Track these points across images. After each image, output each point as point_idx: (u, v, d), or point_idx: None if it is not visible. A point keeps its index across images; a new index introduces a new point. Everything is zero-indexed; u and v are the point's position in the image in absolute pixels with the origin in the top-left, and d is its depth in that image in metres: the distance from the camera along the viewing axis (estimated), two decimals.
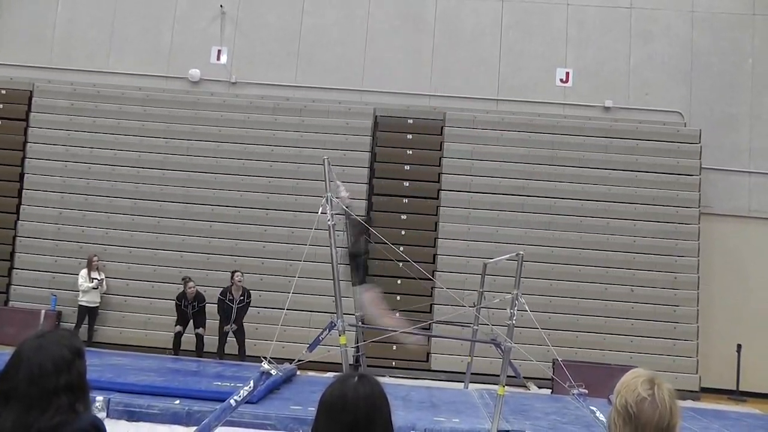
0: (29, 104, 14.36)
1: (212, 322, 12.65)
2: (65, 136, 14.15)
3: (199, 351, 12.58)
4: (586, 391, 7.98)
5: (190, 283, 12.57)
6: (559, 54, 14.39)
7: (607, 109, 14.20)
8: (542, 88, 14.31)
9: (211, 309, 12.61)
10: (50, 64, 14.63)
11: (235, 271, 12.53)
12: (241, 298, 12.44)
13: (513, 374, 9.49)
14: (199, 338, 12.62)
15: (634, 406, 2.09)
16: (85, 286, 12.81)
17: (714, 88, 14.22)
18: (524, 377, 10.95)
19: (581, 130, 13.86)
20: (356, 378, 2.18)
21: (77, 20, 14.80)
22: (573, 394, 7.99)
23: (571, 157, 13.70)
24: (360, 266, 9.17)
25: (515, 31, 14.46)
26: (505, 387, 7.85)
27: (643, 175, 13.59)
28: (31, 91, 14.42)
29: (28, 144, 14.26)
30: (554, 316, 12.57)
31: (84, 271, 12.92)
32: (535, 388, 11.84)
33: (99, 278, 12.98)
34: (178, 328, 12.60)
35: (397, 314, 9.55)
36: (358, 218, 9.20)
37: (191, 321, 12.65)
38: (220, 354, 12.43)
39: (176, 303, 12.63)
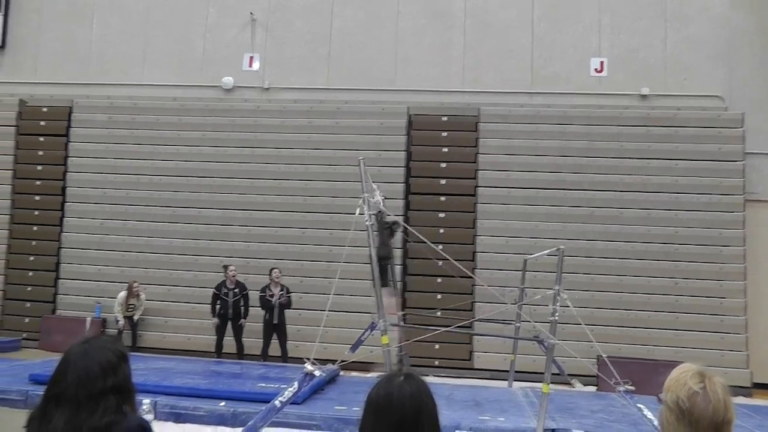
0: (69, 120, 14.74)
1: (252, 324, 12.74)
2: (104, 149, 14.44)
3: (240, 353, 12.66)
4: (633, 388, 7.83)
5: (231, 267, 12.66)
6: (592, 43, 14.14)
7: (643, 96, 13.90)
8: (576, 79, 14.09)
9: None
10: (87, 80, 14.91)
11: (273, 268, 12.66)
12: (281, 293, 12.55)
13: (557, 371, 9.39)
14: (240, 330, 12.69)
15: (686, 401, 2.03)
16: (120, 318, 13.06)
17: (755, 69, 13.82)
18: (569, 374, 10.84)
19: (618, 120, 13.62)
20: (402, 377, 2.18)
21: (111, 36, 15.06)
22: (619, 391, 7.84)
23: (609, 148, 13.48)
24: (384, 270, 9.20)
25: (546, 22, 14.26)
26: (550, 385, 7.75)
27: (684, 163, 13.30)
28: (70, 107, 14.79)
29: (69, 158, 14.61)
30: (597, 311, 12.40)
31: (122, 295, 13.12)
32: (580, 385, 11.70)
33: (136, 304, 13.24)
34: (216, 320, 12.69)
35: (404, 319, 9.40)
36: (387, 221, 9.20)
37: (229, 324, 12.70)
38: (264, 356, 12.50)
39: (214, 293, 12.72)
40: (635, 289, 12.93)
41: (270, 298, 12.48)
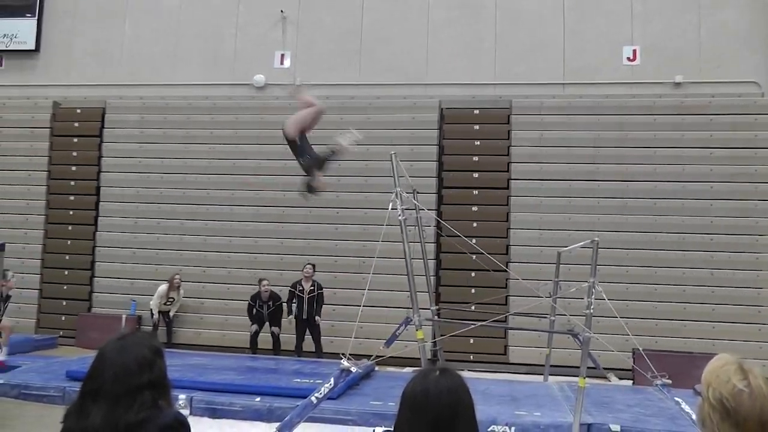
0: (102, 121, 14.95)
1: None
2: (137, 149, 14.63)
3: (276, 349, 12.82)
4: (670, 382, 7.76)
5: (264, 282, 12.80)
6: (624, 31, 13.91)
7: (677, 85, 13.64)
8: (609, 68, 13.87)
9: None
10: (120, 80, 15.07)
11: (307, 264, 12.73)
12: (311, 289, 12.64)
13: (593, 365, 9.35)
14: (275, 337, 12.85)
15: (731, 399, 1.95)
16: (155, 312, 13.23)
17: None
18: (604, 368, 10.76)
19: (651, 109, 13.43)
20: (438, 372, 2.17)
21: (143, 37, 15.20)
22: (656, 385, 7.78)
23: (642, 138, 13.31)
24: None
25: (577, 12, 14.09)
26: (586, 379, 7.71)
27: (719, 151, 13.07)
28: (103, 108, 14.99)
29: (103, 158, 14.83)
30: (631, 303, 12.25)
31: (163, 288, 13.28)
32: (616, 379, 11.59)
33: (176, 297, 13.41)
34: (254, 327, 12.87)
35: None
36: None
37: (267, 321, 12.92)
38: (298, 352, 12.60)
39: (249, 304, 12.90)
40: (670, 281, 12.78)
41: (300, 294, 12.57)
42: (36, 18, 15.53)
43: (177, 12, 15.14)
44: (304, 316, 12.60)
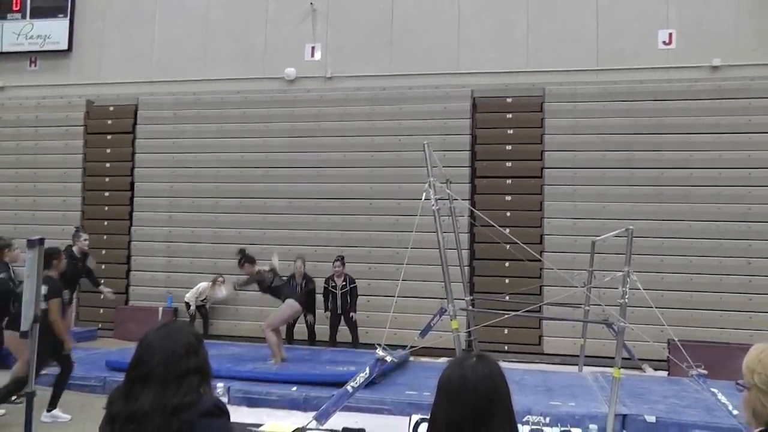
0: (135, 117, 15.16)
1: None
2: (170, 144, 14.81)
3: (312, 340, 12.86)
4: (706, 372, 7.67)
5: (298, 262, 12.74)
6: (659, 15, 13.56)
7: (714, 68, 13.24)
8: (644, 53, 13.53)
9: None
10: (152, 78, 15.24)
11: (336, 259, 12.72)
12: (344, 284, 12.65)
13: (627, 356, 9.26)
14: (310, 327, 12.87)
15: None
16: (192, 304, 13.41)
17: None
18: (639, 358, 10.66)
19: (687, 94, 13.16)
20: (474, 358, 2.17)
21: (173, 34, 15.30)
22: (692, 376, 7.69)
23: (678, 124, 13.05)
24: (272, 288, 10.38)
25: None
26: (621, 369, 7.66)
27: (757, 136, 12.76)
28: (136, 105, 15.19)
29: (136, 155, 15.06)
30: (667, 293, 12.10)
31: (205, 285, 13.49)
32: (651, 369, 11.45)
33: (221, 295, 13.47)
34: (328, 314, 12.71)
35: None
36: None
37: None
38: (332, 343, 12.63)
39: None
40: (706, 270, 12.55)
41: (333, 290, 12.61)
42: (68, 18, 15.75)
43: (206, 8, 15.22)
44: (339, 311, 12.61)
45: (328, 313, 12.66)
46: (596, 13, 13.79)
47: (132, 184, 15.03)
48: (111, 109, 15.31)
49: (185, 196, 14.62)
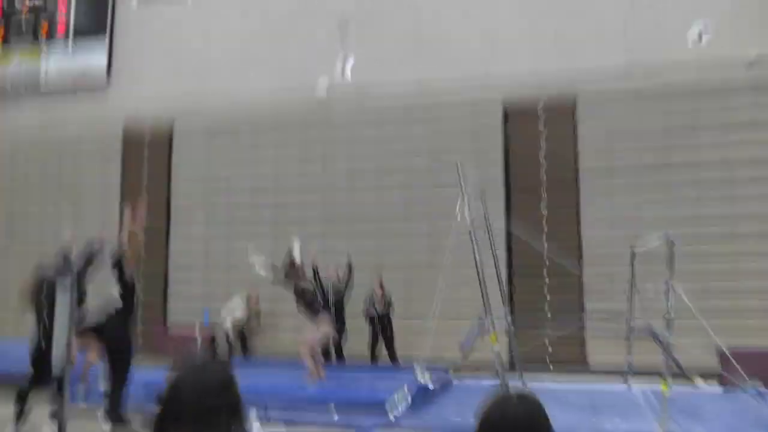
0: (171, 136, 15.31)
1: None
2: (206, 160, 14.88)
3: (339, 354, 12.57)
4: (761, 384, 7.33)
5: (331, 268, 12.50)
6: (692, 11, 13.02)
7: (751, 64, 12.71)
8: (677, 51, 13.03)
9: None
10: (187, 97, 15.24)
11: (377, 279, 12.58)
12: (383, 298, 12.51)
13: (677, 369, 8.96)
14: (336, 341, 12.41)
15: None
16: (228, 324, 13.29)
17: None
18: (689, 371, 10.27)
19: (724, 91, 12.72)
20: (516, 398, 2.08)
21: (209, 52, 15.36)
22: (748, 390, 7.36)
23: (715, 124, 12.63)
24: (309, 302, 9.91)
25: None
26: (670, 383, 7.38)
27: None
28: (172, 124, 15.34)
29: (173, 171, 15.17)
30: (714, 301, 11.68)
31: (237, 304, 13.40)
32: (703, 383, 11.04)
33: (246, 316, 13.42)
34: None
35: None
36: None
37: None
38: (372, 357, 12.50)
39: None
40: (753, 276, 12.10)
41: (374, 309, 12.50)
42: (107, 41, 16.09)
43: (241, 25, 15.27)
44: (377, 330, 12.53)
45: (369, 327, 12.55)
46: (629, 12, 13.40)
47: (168, 200, 15.11)
48: (147, 128, 15.47)
49: (221, 212, 14.69)
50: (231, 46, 15.26)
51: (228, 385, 2.25)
